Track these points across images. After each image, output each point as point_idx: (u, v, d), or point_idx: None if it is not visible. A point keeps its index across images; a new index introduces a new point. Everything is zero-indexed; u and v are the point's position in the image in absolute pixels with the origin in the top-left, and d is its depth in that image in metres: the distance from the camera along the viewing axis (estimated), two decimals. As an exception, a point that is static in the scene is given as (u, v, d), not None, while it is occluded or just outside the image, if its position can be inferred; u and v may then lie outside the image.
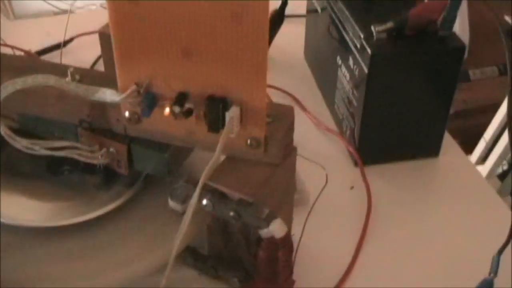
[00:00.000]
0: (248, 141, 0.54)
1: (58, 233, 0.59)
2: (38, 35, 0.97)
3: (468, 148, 1.39)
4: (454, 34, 0.67)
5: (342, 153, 0.75)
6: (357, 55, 0.67)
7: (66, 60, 0.87)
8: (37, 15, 1.11)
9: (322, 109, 0.81)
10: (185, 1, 0.48)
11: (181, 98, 0.53)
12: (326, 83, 0.82)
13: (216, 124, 0.53)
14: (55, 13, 1.11)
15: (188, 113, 0.53)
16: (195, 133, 0.56)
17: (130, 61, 0.53)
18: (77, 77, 0.60)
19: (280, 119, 0.56)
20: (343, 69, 0.72)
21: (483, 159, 1.56)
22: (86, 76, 0.61)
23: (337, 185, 0.70)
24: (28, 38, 0.96)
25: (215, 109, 0.52)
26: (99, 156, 0.59)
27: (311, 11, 0.86)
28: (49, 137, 0.59)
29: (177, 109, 0.52)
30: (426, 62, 0.66)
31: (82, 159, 0.59)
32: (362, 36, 0.66)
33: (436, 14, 0.66)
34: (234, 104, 0.52)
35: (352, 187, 0.70)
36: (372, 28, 0.66)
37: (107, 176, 0.62)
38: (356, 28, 0.68)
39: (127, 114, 0.55)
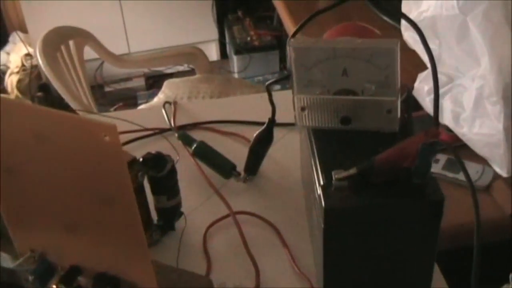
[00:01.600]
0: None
1: None
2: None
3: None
4: (433, 181, 0.58)
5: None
6: (317, 203, 0.59)
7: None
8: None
9: (305, 244, 0.73)
10: (55, 180, 0.45)
11: (70, 274, 0.50)
12: (309, 217, 0.75)
13: (103, 307, 0.48)
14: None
15: (78, 291, 0.49)
16: (95, 307, 0.51)
17: (21, 228, 0.51)
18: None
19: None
20: (314, 210, 0.64)
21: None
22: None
23: None
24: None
25: (100, 291, 0.47)
26: (12, 317, 0.56)
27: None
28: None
29: (61, 287, 0.48)
30: (395, 217, 0.58)
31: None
32: (321, 183, 0.58)
33: (408, 161, 0.57)
34: (125, 287, 0.47)
35: None
36: (333, 174, 0.58)
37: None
38: (319, 170, 0.60)
39: (30, 278, 0.52)
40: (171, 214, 0.76)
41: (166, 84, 2.08)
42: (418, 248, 0.61)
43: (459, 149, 1.21)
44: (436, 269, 0.71)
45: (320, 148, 0.65)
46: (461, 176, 1.16)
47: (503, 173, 1.21)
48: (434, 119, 0.63)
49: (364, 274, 0.62)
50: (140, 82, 2.92)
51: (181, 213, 0.77)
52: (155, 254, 0.74)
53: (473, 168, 1.18)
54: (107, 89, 2.90)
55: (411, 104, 0.67)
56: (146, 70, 2.85)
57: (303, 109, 0.67)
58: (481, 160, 1.17)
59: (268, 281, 0.70)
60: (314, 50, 0.63)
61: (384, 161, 0.58)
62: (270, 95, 0.76)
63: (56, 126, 0.41)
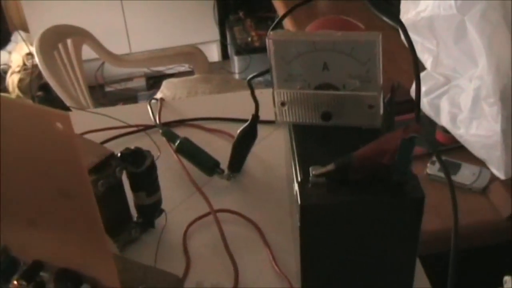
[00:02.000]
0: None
1: None
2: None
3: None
4: (414, 178, 0.56)
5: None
6: (295, 200, 0.58)
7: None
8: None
9: (287, 244, 0.71)
10: (11, 171, 0.43)
11: (32, 270, 0.48)
12: (292, 216, 0.73)
13: (64, 303, 0.46)
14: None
15: (39, 286, 0.48)
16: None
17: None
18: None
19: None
20: (294, 208, 0.63)
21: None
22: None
23: None
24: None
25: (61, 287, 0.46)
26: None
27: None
28: None
29: (23, 283, 0.47)
30: (374, 215, 0.57)
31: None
32: (299, 179, 0.57)
33: (386, 157, 0.55)
34: (87, 283, 0.46)
35: None
36: (310, 170, 0.56)
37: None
38: (297, 166, 0.59)
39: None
40: (151, 211, 0.75)
41: (165, 84, 2.07)
42: (399, 247, 0.59)
43: (456, 151, 1.19)
44: (420, 270, 0.69)
45: (300, 144, 0.63)
46: (458, 178, 1.14)
47: (501, 175, 1.19)
48: (416, 114, 0.62)
49: (343, 273, 0.60)
50: (141, 83, 2.92)
51: (162, 211, 0.76)
52: (133, 252, 0.73)
53: (470, 170, 1.17)
54: (107, 89, 2.91)
55: (394, 100, 0.65)
56: (146, 70, 2.85)
57: (283, 104, 0.65)
58: (478, 162, 1.16)
59: (248, 281, 0.69)
60: (293, 43, 0.61)
61: (363, 157, 0.57)
62: (252, 91, 0.75)
63: (7, 114, 0.39)
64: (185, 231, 0.76)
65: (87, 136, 0.83)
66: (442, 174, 1.14)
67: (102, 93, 2.86)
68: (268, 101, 0.77)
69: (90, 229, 0.43)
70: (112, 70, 2.76)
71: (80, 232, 0.43)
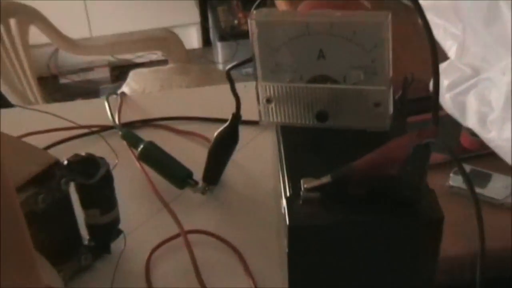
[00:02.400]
0: None
1: None
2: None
3: None
4: (430, 194, 0.56)
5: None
6: (283, 220, 0.57)
7: None
8: None
9: (273, 272, 0.72)
10: None
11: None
12: (279, 238, 0.73)
13: None
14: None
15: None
16: None
17: None
18: None
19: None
20: (282, 229, 0.62)
21: None
22: None
23: None
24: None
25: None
26: None
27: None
28: None
29: None
30: (379, 239, 0.57)
31: None
32: (287, 193, 0.56)
33: (395, 168, 0.55)
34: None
35: None
36: (302, 183, 0.56)
37: None
38: (286, 178, 0.58)
39: None
40: (106, 232, 0.75)
41: (132, 75, 2.07)
42: (410, 278, 0.59)
43: (485, 158, 1.20)
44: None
45: (289, 151, 0.63)
46: (487, 192, 1.14)
47: (539, 189, 1.20)
48: (433, 114, 0.61)
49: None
50: (103, 73, 2.93)
51: (120, 232, 0.76)
52: (83, 283, 0.73)
53: (502, 182, 1.17)
54: (62, 81, 2.91)
55: (407, 97, 0.64)
56: (111, 58, 2.85)
57: (269, 100, 0.65)
58: (512, 172, 1.16)
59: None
60: (282, 26, 0.61)
61: (366, 168, 0.56)
62: (232, 84, 0.75)
63: None
64: (149, 257, 0.75)
65: (28, 139, 0.83)
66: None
67: (56, 86, 2.87)
68: (254, 97, 0.77)
69: (18, 258, 0.42)
70: (69, 58, 2.76)
71: (5, 261, 0.43)
